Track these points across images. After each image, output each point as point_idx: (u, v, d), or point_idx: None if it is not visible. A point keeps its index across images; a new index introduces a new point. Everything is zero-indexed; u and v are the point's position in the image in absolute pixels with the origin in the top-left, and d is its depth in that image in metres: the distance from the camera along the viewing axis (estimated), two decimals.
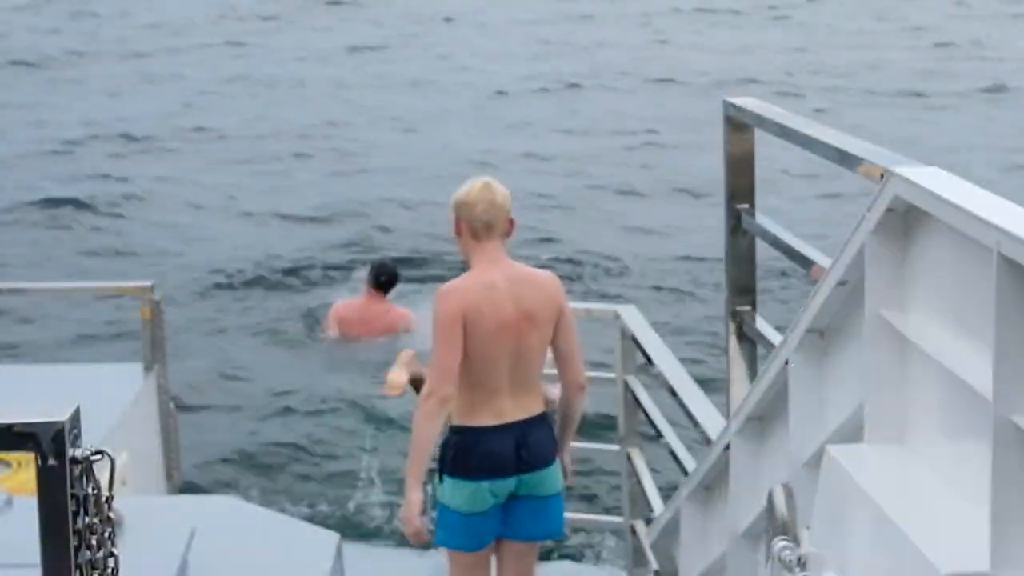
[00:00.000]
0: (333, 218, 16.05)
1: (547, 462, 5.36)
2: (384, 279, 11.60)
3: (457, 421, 5.33)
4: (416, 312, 11.36)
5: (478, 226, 5.28)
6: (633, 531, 6.77)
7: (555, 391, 5.71)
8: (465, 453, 5.28)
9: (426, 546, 8.39)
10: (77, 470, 1.81)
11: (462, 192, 5.34)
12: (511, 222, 5.35)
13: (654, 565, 5.90)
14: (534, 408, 5.35)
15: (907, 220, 2.86)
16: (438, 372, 5.20)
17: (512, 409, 5.30)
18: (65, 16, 30.59)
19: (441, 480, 5.38)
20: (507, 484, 5.31)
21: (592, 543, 8.59)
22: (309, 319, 12.49)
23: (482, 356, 5.23)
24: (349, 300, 12.05)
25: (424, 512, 5.31)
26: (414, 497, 5.23)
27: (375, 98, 22.55)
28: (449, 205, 5.37)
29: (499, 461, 5.27)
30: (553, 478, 5.39)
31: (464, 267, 5.49)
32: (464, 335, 5.19)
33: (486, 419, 5.28)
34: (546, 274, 5.50)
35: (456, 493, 5.30)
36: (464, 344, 5.20)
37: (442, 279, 6.20)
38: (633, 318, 6.63)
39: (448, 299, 5.22)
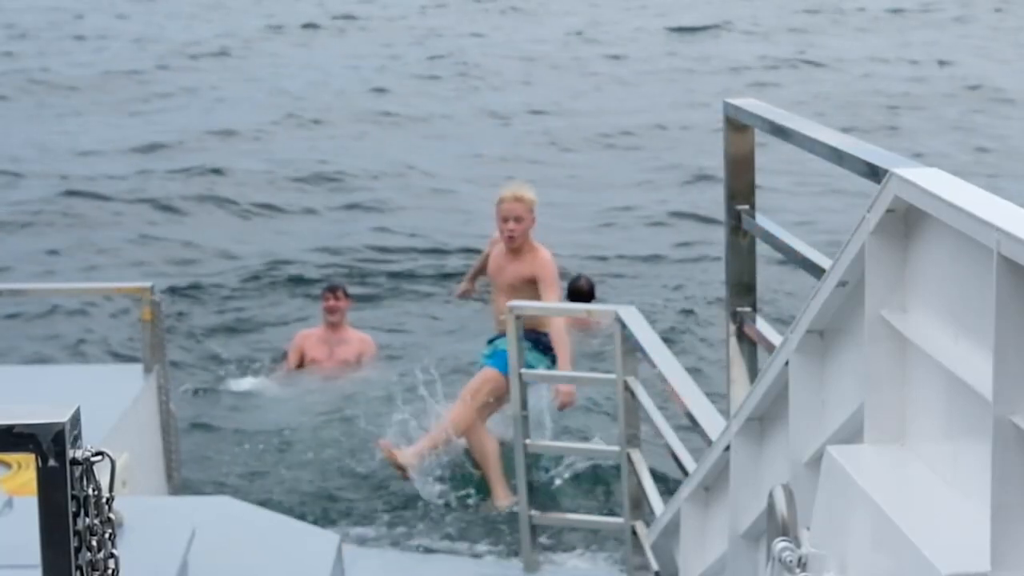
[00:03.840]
0: None
1: None
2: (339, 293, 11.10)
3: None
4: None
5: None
6: (633, 532, 6.78)
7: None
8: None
9: (430, 548, 8.42)
10: (77, 471, 1.80)
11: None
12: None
13: (654, 566, 5.90)
14: None
15: (907, 220, 2.86)
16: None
17: None
18: None
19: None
20: None
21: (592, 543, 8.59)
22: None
23: None
24: (309, 330, 11.53)
25: None
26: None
27: None
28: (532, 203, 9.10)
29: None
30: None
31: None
32: None
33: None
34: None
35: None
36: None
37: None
38: (633, 319, 6.63)
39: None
